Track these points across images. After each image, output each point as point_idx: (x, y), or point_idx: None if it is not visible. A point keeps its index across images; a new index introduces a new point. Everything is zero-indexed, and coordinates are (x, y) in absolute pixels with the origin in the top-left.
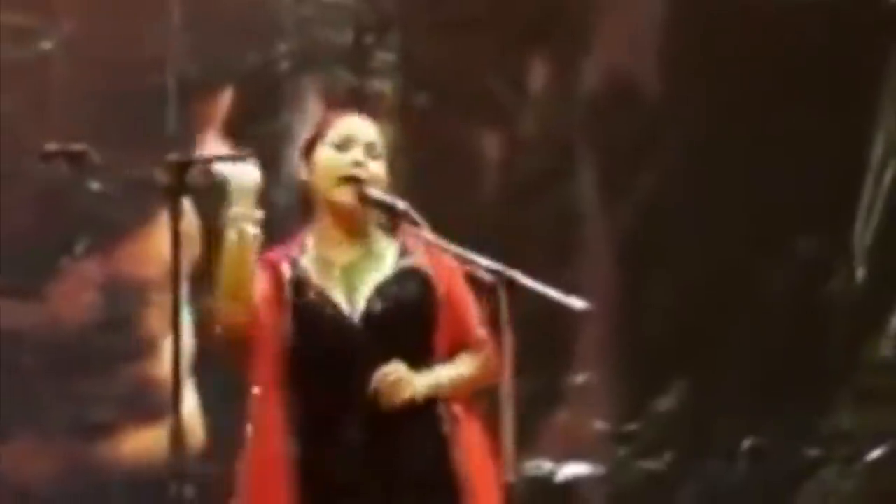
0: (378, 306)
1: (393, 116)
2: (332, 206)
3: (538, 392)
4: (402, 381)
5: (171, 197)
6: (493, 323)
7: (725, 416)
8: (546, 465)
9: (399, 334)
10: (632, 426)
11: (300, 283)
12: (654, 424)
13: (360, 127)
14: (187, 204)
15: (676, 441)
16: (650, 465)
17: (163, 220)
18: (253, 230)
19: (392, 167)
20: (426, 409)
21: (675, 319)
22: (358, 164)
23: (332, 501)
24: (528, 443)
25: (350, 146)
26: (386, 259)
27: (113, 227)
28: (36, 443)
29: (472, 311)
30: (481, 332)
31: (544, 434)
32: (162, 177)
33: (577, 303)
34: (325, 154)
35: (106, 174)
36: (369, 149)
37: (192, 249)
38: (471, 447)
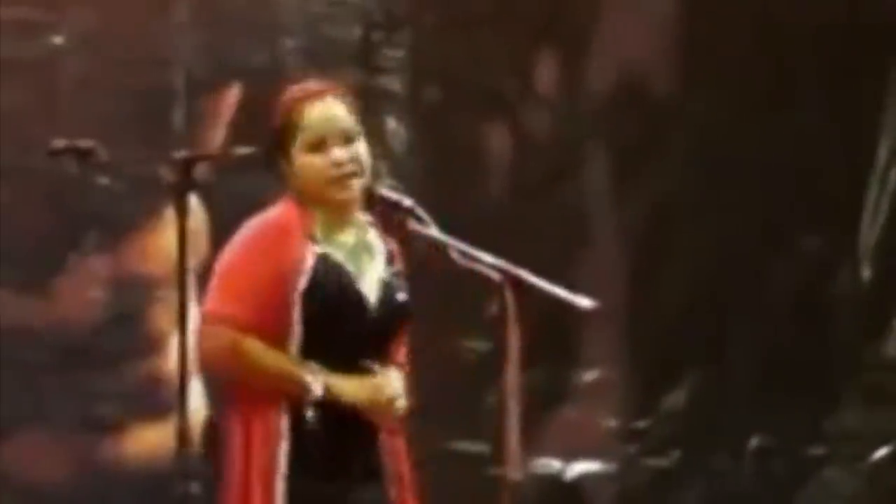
0: (387, 300)
1: (401, 114)
2: (325, 203)
3: (547, 389)
4: (401, 403)
5: (178, 194)
6: (501, 321)
7: (732, 415)
8: (555, 463)
9: (391, 332)
10: (640, 424)
11: (321, 257)
12: (662, 422)
13: (329, 119)
14: (194, 201)
15: (684, 439)
16: (658, 462)
17: (170, 217)
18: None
19: (400, 164)
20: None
21: (683, 317)
22: (339, 164)
23: (322, 480)
24: (536, 440)
25: (326, 145)
26: (376, 253)
27: (120, 223)
28: (42, 439)
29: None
30: (404, 351)
31: (553, 432)
32: (169, 174)
33: (583, 301)
34: (304, 161)
35: (113, 171)
36: (344, 137)
37: (199, 246)
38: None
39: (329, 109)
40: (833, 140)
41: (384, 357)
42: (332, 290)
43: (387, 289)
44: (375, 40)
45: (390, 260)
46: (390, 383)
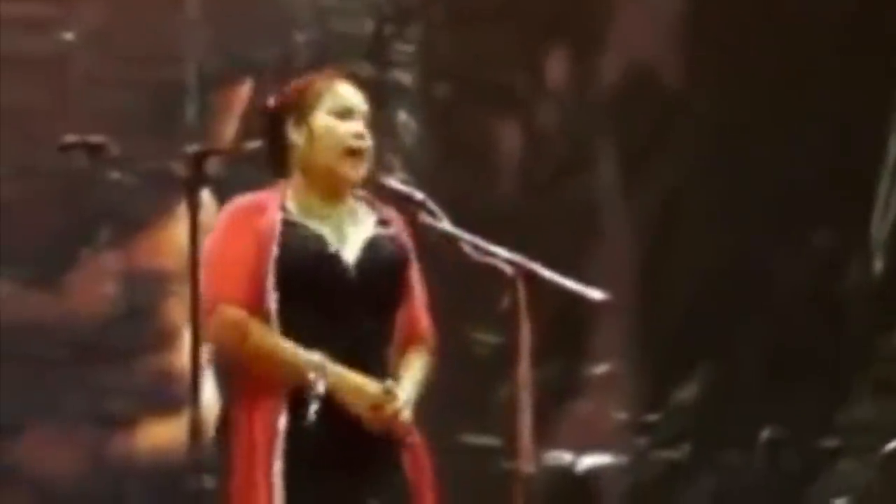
0: (369, 259)
1: (412, 108)
2: (331, 175)
3: (558, 383)
4: (409, 416)
5: (190, 188)
6: (513, 315)
7: (744, 407)
8: (566, 456)
9: (381, 294)
10: (652, 416)
11: (291, 225)
12: (673, 415)
13: (356, 96)
14: (206, 195)
15: (696, 432)
16: (670, 455)
17: (182, 212)
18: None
19: (411, 158)
20: (389, 466)
21: (693, 310)
22: (361, 136)
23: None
24: (548, 434)
25: (351, 116)
26: (366, 222)
27: (132, 218)
28: (54, 434)
29: (424, 298)
30: (428, 322)
31: (565, 425)
32: (181, 168)
33: (595, 294)
34: (326, 122)
35: (125, 166)
36: (362, 116)
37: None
38: (422, 460)
39: (355, 90)
40: (844, 134)
41: (380, 324)
42: (302, 254)
43: (371, 248)
44: (386, 35)
45: (383, 223)
46: (396, 396)
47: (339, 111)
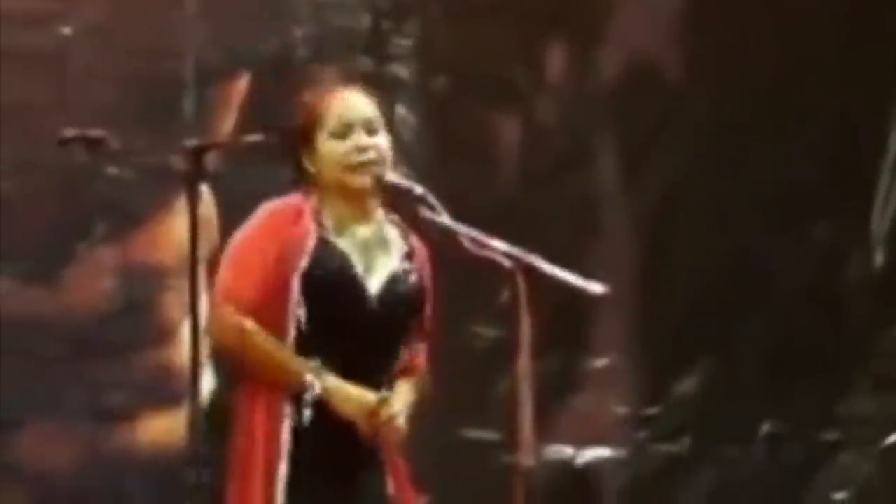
0: (392, 294)
1: (411, 102)
2: (345, 191)
3: (558, 376)
4: (403, 426)
5: (189, 183)
6: (513, 309)
7: (744, 401)
8: (566, 450)
9: (397, 328)
10: (651, 410)
11: (324, 242)
12: (673, 408)
13: (355, 107)
14: (205, 190)
15: (695, 425)
16: (670, 448)
17: (180, 206)
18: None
19: (410, 152)
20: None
21: (693, 304)
22: (363, 149)
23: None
24: (548, 427)
25: (349, 131)
26: (393, 248)
27: (130, 213)
28: (53, 429)
29: (429, 337)
30: (424, 358)
31: (564, 418)
32: (180, 162)
33: (595, 287)
34: (328, 147)
35: (123, 160)
36: (368, 126)
37: (209, 235)
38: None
39: (353, 99)
40: (844, 129)
41: (390, 355)
42: (330, 275)
43: (393, 282)
44: (384, 29)
45: (408, 257)
46: (391, 404)
47: (338, 131)
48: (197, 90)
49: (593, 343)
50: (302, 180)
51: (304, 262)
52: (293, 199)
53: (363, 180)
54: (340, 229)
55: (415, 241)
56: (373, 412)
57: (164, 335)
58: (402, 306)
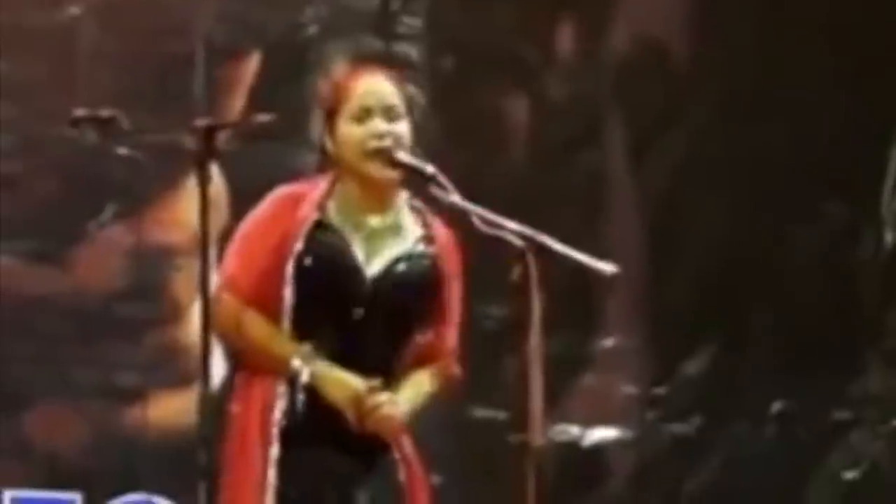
0: (394, 276)
1: (420, 81)
2: (361, 178)
3: (566, 356)
4: (394, 415)
5: (199, 162)
6: (523, 288)
7: (754, 380)
8: (574, 430)
9: (397, 312)
10: (660, 390)
11: (321, 226)
12: (682, 388)
13: (376, 93)
14: (215, 169)
15: (705, 405)
16: (679, 429)
17: (190, 186)
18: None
19: (420, 132)
20: (383, 455)
21: (703, 283)
22: (380, 136)
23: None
24: (555, 407)
25: (369, 117)
26: (407, 238)
27: (140, 192)
28: (64, 409)
29: (456, 320)
30: (453, 347)
31: (572, 398)
32: (189, 142)
33: (606, 267)
34: (346, 130)
35: (134, 140)
36: (388, 113)
37: (220, 215)
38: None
39: (376, 83)
40: (855, 107)
41: (395, 341)
42: (321, 257)
43: (397, 265)
44: (394, 8)
45: (426, 241)
46: (379, 392)
47: (358, 115)
48: (206, 70)
49: (601, 322)
50: (323, 160)
51: (298, 246)
52: (302, 184)
53: (377, 168)
54: (347, 214)
55: (438, 226)
56: (359, 400)
57: (174, 316)
58: (408, 289)
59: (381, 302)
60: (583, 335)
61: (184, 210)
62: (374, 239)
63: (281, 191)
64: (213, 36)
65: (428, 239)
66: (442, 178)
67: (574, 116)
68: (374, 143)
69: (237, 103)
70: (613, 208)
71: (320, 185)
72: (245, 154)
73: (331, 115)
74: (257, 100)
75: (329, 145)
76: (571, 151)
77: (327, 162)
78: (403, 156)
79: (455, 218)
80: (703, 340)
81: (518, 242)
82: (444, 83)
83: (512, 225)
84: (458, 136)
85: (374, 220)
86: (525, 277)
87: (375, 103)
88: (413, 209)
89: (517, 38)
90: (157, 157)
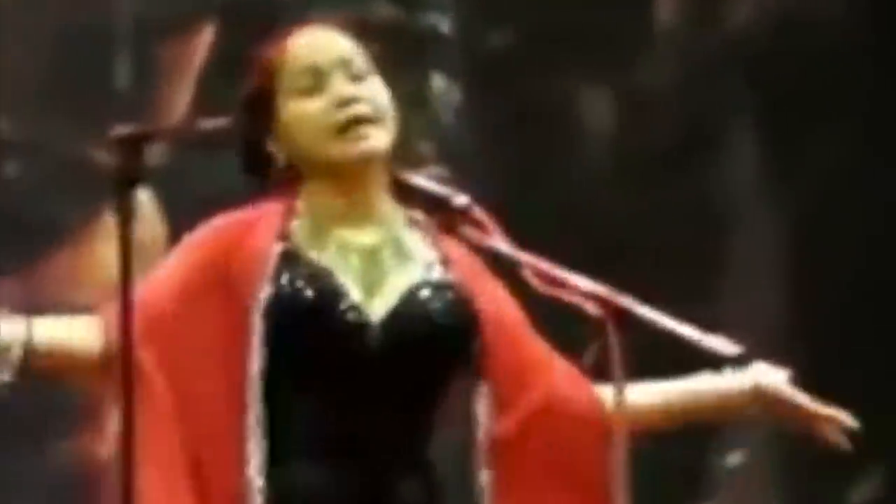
0: (409, 319)
1: (454, 68)
2: (333, 173)
3: (677, 472)
4: None
5: (121, 186)
6: (601, 371)
7: None
8: None
9: (419, 372)
10: None
11: (291, 257)
12: None
13: (319, 49)
14: (143, 196)
15: None
16: None
17: (108, 220)
18: None
19: (450, 139)
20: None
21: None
22: (343, 101)
23: None
24: None
25: (322, 82)
26: (416, 261)
27: (37, 230)
28: None
29: (531, 337)
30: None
31: None
32: (107, 157)
33: (724, 346)
34: (292, 111)
35: (27, 155)
36: (347, 69)
37: (151, 260)
38: None
39: (321, 38)
40: None
41: (419, 410)
42: (299, 302)
43: (411, 301)
44: None
45: (444, 263)
46: None
47: (305, 84)
48: (133, 51)
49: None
50: (267, 177)
51: (262, 291)
52: (247, 211)
53: (362, 145)
54: (321, 236)
55: (452, 246)
56: None
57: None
58: (427, 338)
59: (392, 360)
60: (696, 444)
61: (99, 255)
62: (369, 263)
63: (220, 220)
64: (144, 4)
65: (444, 262)
66: (479, 212)
67: (677, 113)
68: (337, 114)
69: (178, 101)
70: (736, 249)
71: (273, 206)
72: (187, 174)
73: (264, 103)
74: (207, 94)
75: (274, 149)
76: (673, 163)
77: (273, 179)
78: (421, 179)
79: (497, 267)
80: (866, 466)
81: (593, 309)
82: (487, 68)
83: (584, 283)
84: (506, 141)
85: (365, 236)
86: (604, 357)
87: (326, 62)
88: (412, 222)
89: (593, 4)
90: (62, 178)
